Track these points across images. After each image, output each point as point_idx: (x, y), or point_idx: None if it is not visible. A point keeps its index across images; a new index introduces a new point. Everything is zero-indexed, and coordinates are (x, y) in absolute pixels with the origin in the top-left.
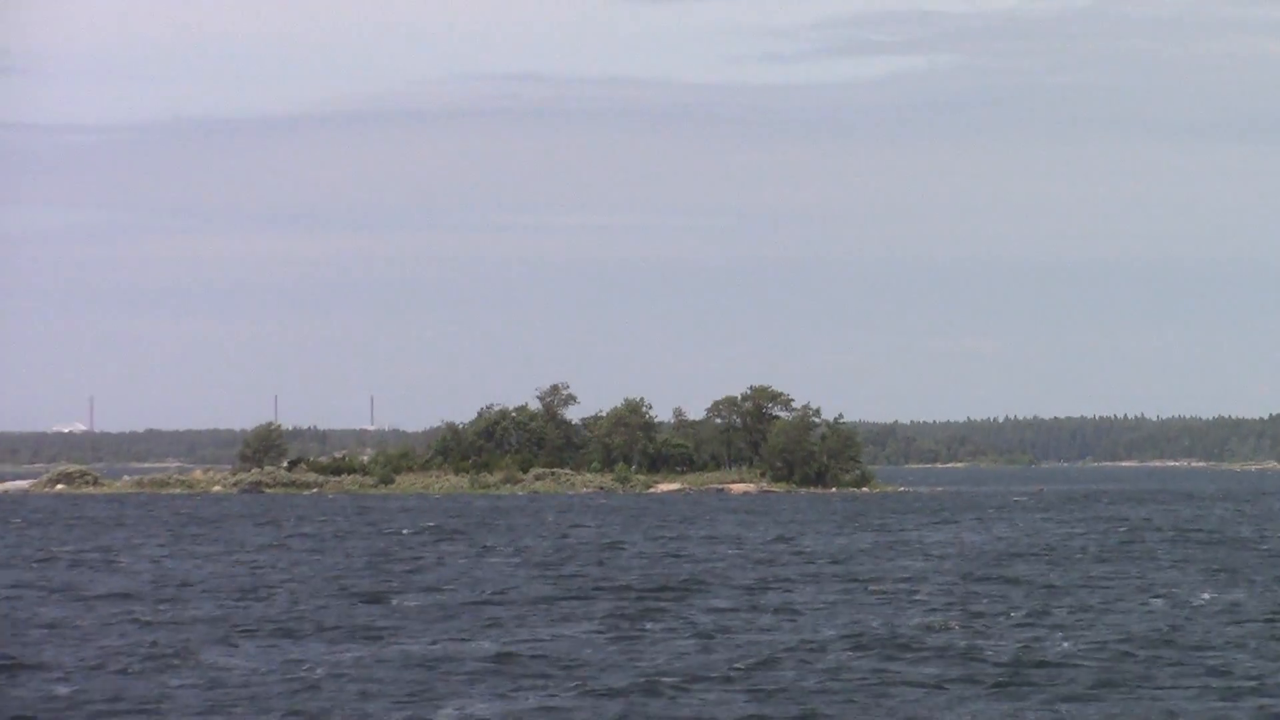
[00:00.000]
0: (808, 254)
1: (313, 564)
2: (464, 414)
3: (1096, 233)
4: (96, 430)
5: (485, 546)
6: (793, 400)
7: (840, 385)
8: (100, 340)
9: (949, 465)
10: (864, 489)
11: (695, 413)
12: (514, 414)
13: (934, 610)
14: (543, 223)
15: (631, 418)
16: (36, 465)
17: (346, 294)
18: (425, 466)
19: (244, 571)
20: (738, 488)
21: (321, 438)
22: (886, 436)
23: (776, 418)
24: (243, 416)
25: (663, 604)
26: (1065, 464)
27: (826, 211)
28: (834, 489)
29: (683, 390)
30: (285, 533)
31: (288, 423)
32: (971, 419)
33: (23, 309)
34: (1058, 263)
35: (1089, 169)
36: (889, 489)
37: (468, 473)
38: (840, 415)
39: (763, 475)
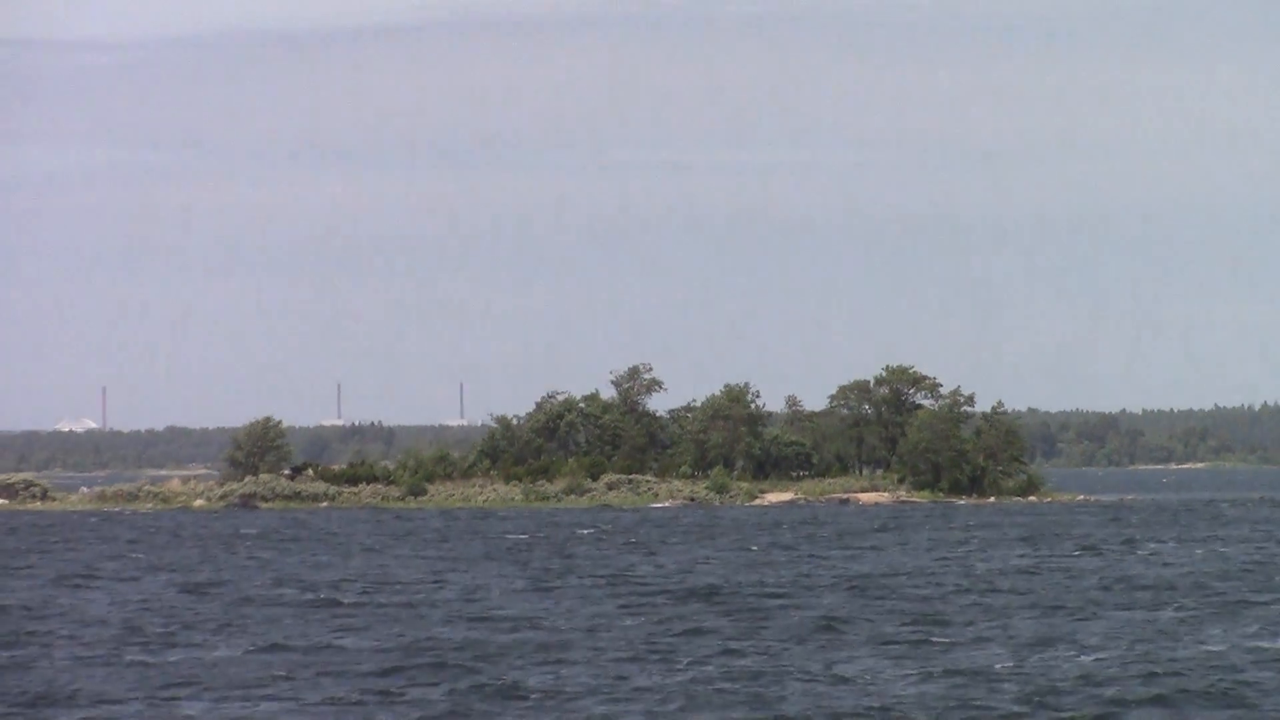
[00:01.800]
0: (967, 201)
1: None
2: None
3: None
4: (108, 428)
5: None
6: (940, 385)
7: (1029, 367)
8: (114, 315)
9: (1186, 466)
10: (1030, 498)
11: (815, 402)
12: (582, 405)
13: None
14: (628, 159)
15: (733, 409)
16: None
17: (419, 252)
18: (468, 473)
19: None
20: (868, 497)
21: (388, 436)
22: (1105, 430)
23: (920, 408)
24: (293, 409)
25: None
26: None
27: (992, 142)
28: (992, 498)
29: (799, 375)
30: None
31: (353, 418)
32: (1220, 406)
33: (22, 277)
34: None
35: None
36: (1065, 497)
37: (521, 480)
38: (1000, 403)
39: (900, 481)
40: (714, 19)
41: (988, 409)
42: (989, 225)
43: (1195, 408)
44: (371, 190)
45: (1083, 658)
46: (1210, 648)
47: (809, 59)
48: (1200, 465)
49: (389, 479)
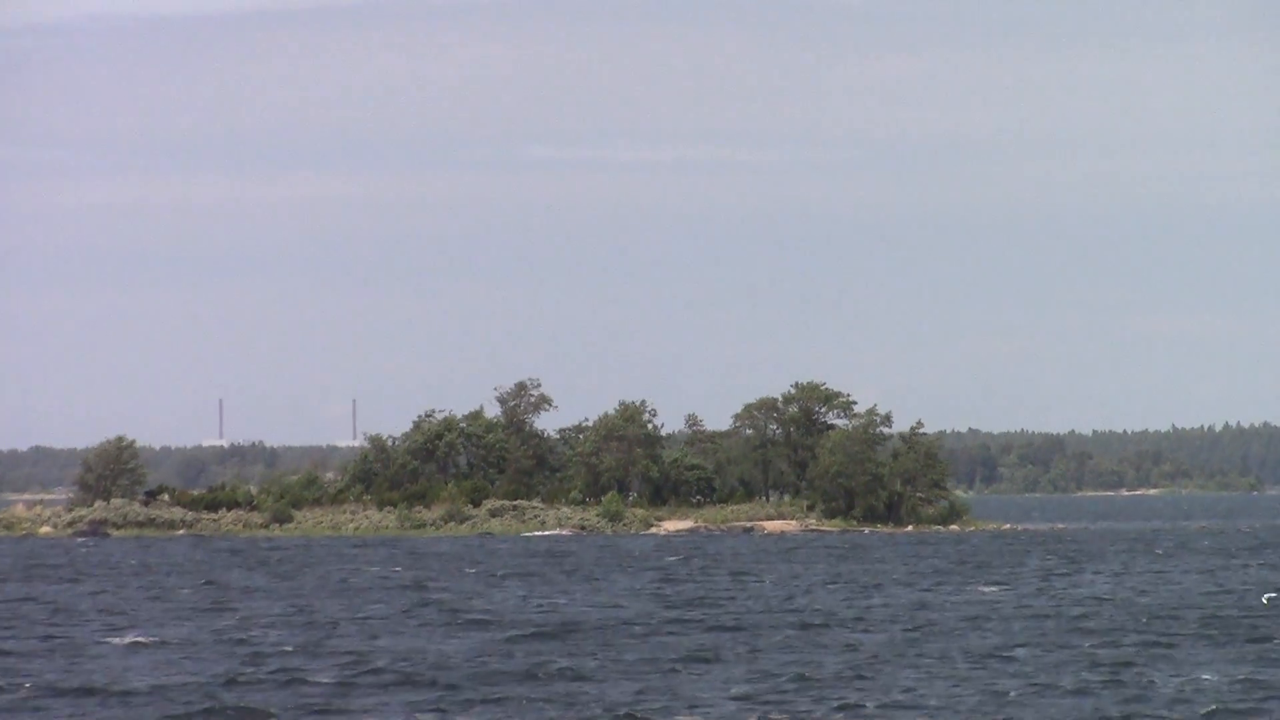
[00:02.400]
0: (896, 203)
1: None
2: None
3: None
4: None
5: None
6: (854, 403)
7: (967, 384)
8: None
9: (1139, 492)
10: (953, 527)
11: (718, 422)
12: (463, 424)
13: None
14: (526, 159)
15: (628, 428)
16: None
17: (309, 259)
18: (339, 498)
19: None
20: (774, 526)
21: (270, 457)
22: (1051, 453)
23: (832, 428)
24: (170, 430)
25: None
26: None
27: (927, 139)
28: (910, 526)
29: (701, 393)
30: None
31: (235, 438)
32: (1178, 428)
33: None
34: None
35: None
36: (991, 526)
37: (396, 506)
38: (920, 423)
39: (810, 508)
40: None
41: (908, 429)
42: (919, 230)
43: (1151, 429)
44: (254, 194)
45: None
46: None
47: (713, 49)
48: (1154, 491)
49: (252, 505)
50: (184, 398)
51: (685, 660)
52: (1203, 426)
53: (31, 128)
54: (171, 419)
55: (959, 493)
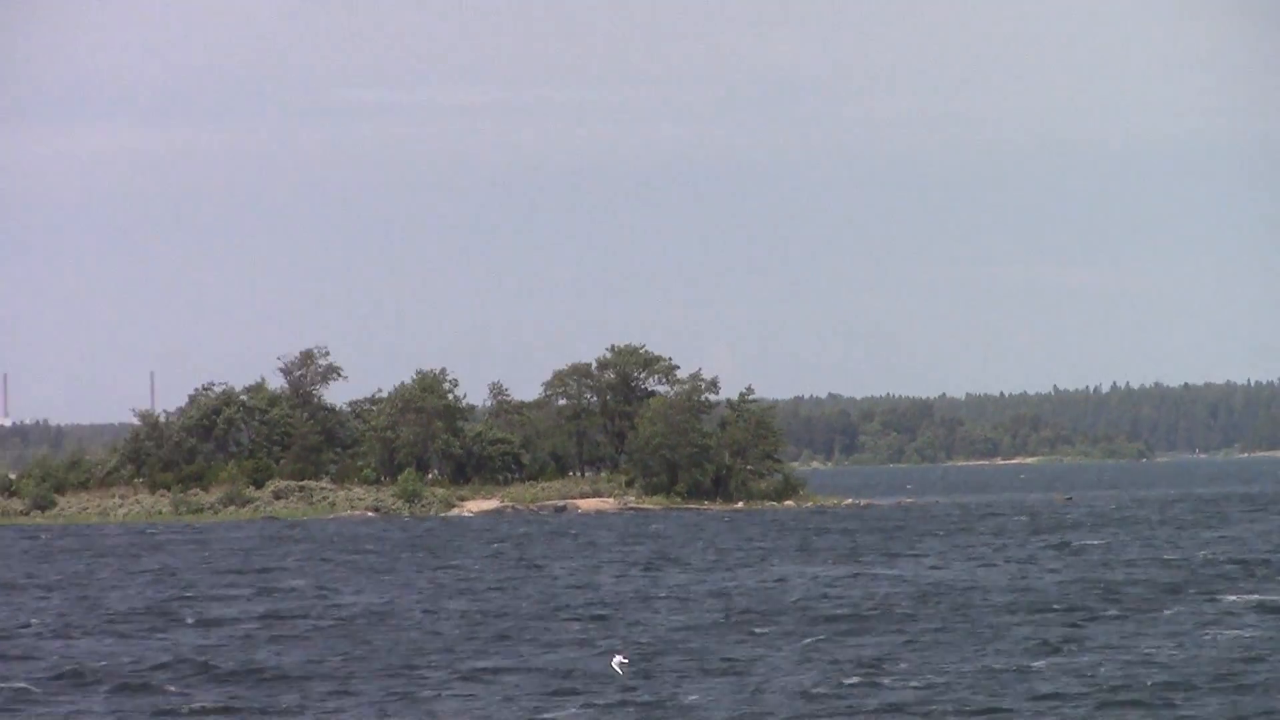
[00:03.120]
0: (727, 142)
1: None
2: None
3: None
4: None
5: None
6: (677, 367)
7: (825, 346)
8: None
9: (1015, 460)
10: (787, 502)
11: (525, 391)
12: (244, 397)
13: None
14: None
15: (426, 399)
16: None
17: (99, 221)
18: (108, 481)
19: None
20: (589, 504)
21: (55, 437)
22: (918, 419)
23: (653, 394)
24: None
25: None
26: (1200, 455)
27: (756, 77)
28: (741, 503)
29: (505, 360)
30: None
31: (21, 416)
32: (1059, 390)
33: None
34: (1192, 139)
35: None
36: (831, 501)
37: (170, 489)
38: (749, 389)
39: (629, 484)
40: None
41: (738, 396)
42: (761, 177)
43: (1031, 392)
44: (39, 151)
45: None
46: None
47: None
48: (1031, 460)
49: (11, 490)
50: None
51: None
52: (1088, 388)
53: None
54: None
55: (815, 464)
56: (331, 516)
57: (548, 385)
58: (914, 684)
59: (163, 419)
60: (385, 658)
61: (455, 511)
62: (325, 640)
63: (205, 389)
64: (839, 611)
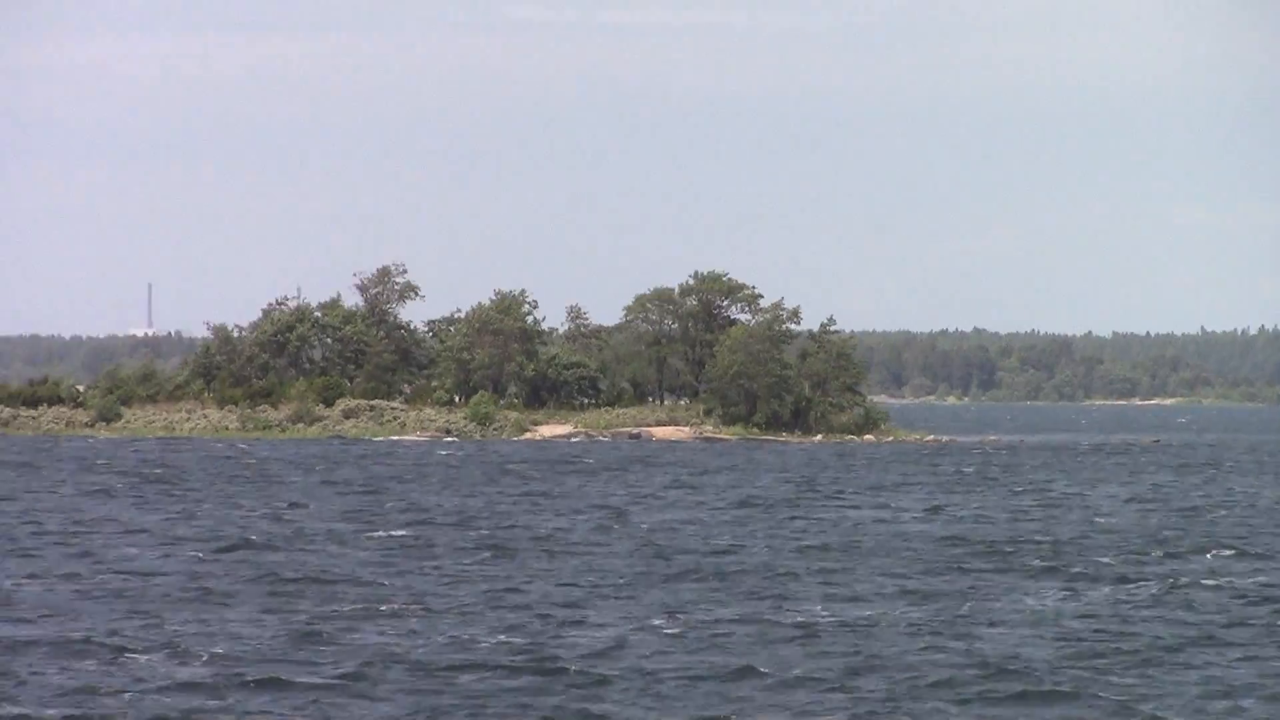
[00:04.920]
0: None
1: None
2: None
3: None
4: None
5: None
6: (760, 296)
7: (969, 279)
8: None
9: (1153, 401)
10: (867, 436)
11: (606, 315)
12: (319, 314)
13: None
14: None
15: (503, 321)
16: None
17: (96, 128)
18: (176, 395)
19: None
20: (663, 432)
21: (190, 348)
22: (1056, 357)
23: (736, 323)
24: (91, 318)
25: None
26: None
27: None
28: (819, 435)
29: (588, 283)
30: None
31: (168, 327)
32: (1207, 331)
33: None
34: None
35: None
36: (913, 437)
37: (238, 404)
38: (830, 320)
39: (708, 413)
40: None
41: (819, 327)
42: (897, 104)
43: (1178, 332)
44: (35, 58)
45: None
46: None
47: None
48: (1170, 401)
49: (78, 401)
50: (107, 284)
51: None
52: (1235, 330)
53: None
54: (91, 306)
55: (951, 399)
56: (399, 439)
57: (628, 310)
58: None
59: (235, 333)
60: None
61: (528, 436)
62: None
63: (279, 303)
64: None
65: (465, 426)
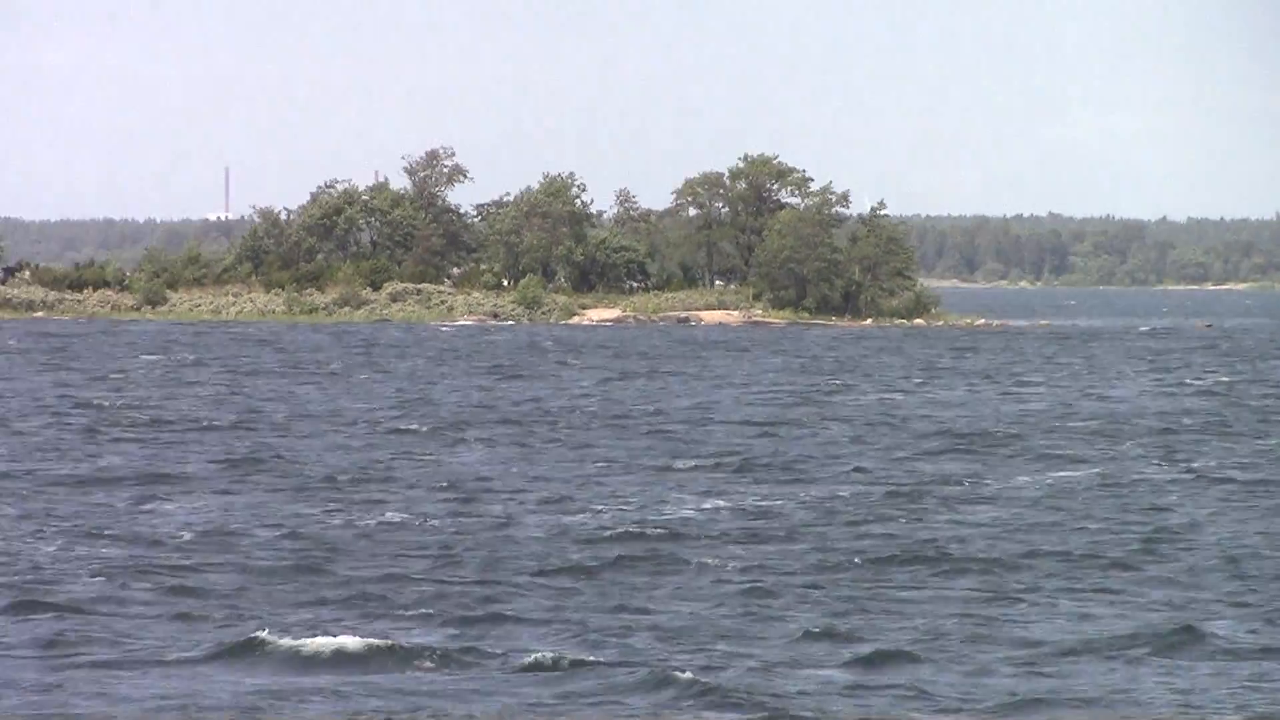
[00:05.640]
0: None
1: None
2: None
3: None
4: None
5: None
6: (810, 180)
7: (1042, 163)
8: None
9: (1225, 286)
10: (917, 321)
11: (655, 199)
12: (366, 197)
13: None
14: None
15: (553, 205)
16: None
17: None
18: (223, 279)
19: None
20: (712, 316)
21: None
22: (1129, 242)
23: (785, 207)
24: (168, 203)
25: None
26: None
27: None
28: (869, 319)
29: (637, 167)
30: None
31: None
32: None
33: None
34: None
35: None
36: (964, 321)
37: (285, 288)
38: (881, 203)
39: (757, 297)
40: None
41: (869, 210)
42: None
43: (1253, 218)
44: None
45: None
46: None
47: None
48: (1242, 286)
49: (124, 284)
50: (187, 167)
51: None
52: None
53: None
54: (168, 190)
55: (1024, 284)
56: (446, 324)
57: (678, 193)
58: None
59: (284, 217)
60: None
61: (576, 319)
62: None
63: (327, 186)
64: None
65: (513, 310)
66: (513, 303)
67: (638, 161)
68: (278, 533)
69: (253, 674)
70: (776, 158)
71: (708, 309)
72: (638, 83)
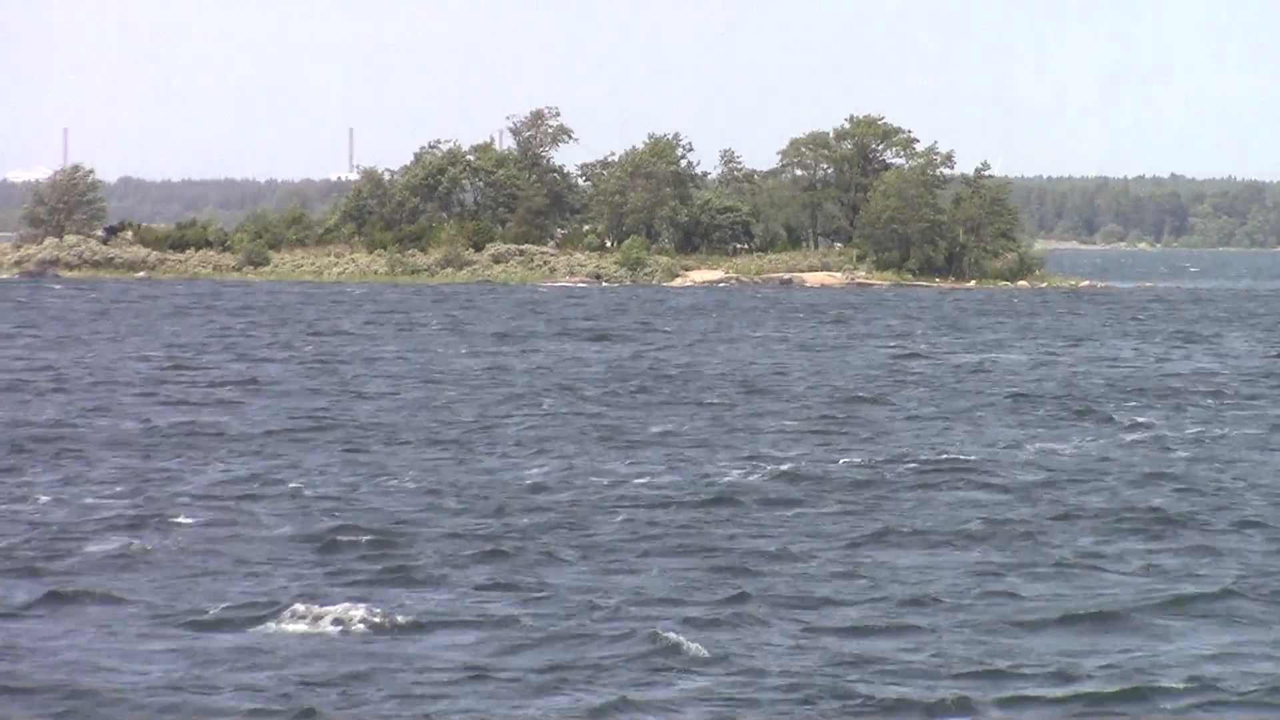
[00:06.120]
0: None
1: None
2: None
3: None
4: None
5: None
6: (916, 141)
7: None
8: None
9: None
10: (1021, 283)
11: (760, 159)
12: (471, 157)
13: None
14: None
15: (657, 165)
16: None
17: None
18: (326, 239)
19: None
20: (815, 278)
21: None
22: (1249, 203)
23: (890, 168)
24: (288, 162)
25: None
26: None
27: None
28: (973, 281)
29: (743, 127)
30: None
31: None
32: None
33: None
34: None
35: None
36: (1068, 283)
37: (387, 249)
38: (985, 164)
39: (860, 259)
40: None
41: (973, 172)
42: None
43: None
44: None
45: None
46: None
47: None
48: None
49: (225, 245)
50: (309, 127)
51: None
52: None
53: None
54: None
55: (1143, 245)
56: (549, 284)
57: (784, 154)
58: None
59: (387, 177)
60: None
61: (679, 281)
62: None
63: (431, 146)
64: None
65: (616, 271)
66: (615, 264)
67: (743, 121)
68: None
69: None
70: (883, 118)
71: (810, 270)
72: (745, 42)
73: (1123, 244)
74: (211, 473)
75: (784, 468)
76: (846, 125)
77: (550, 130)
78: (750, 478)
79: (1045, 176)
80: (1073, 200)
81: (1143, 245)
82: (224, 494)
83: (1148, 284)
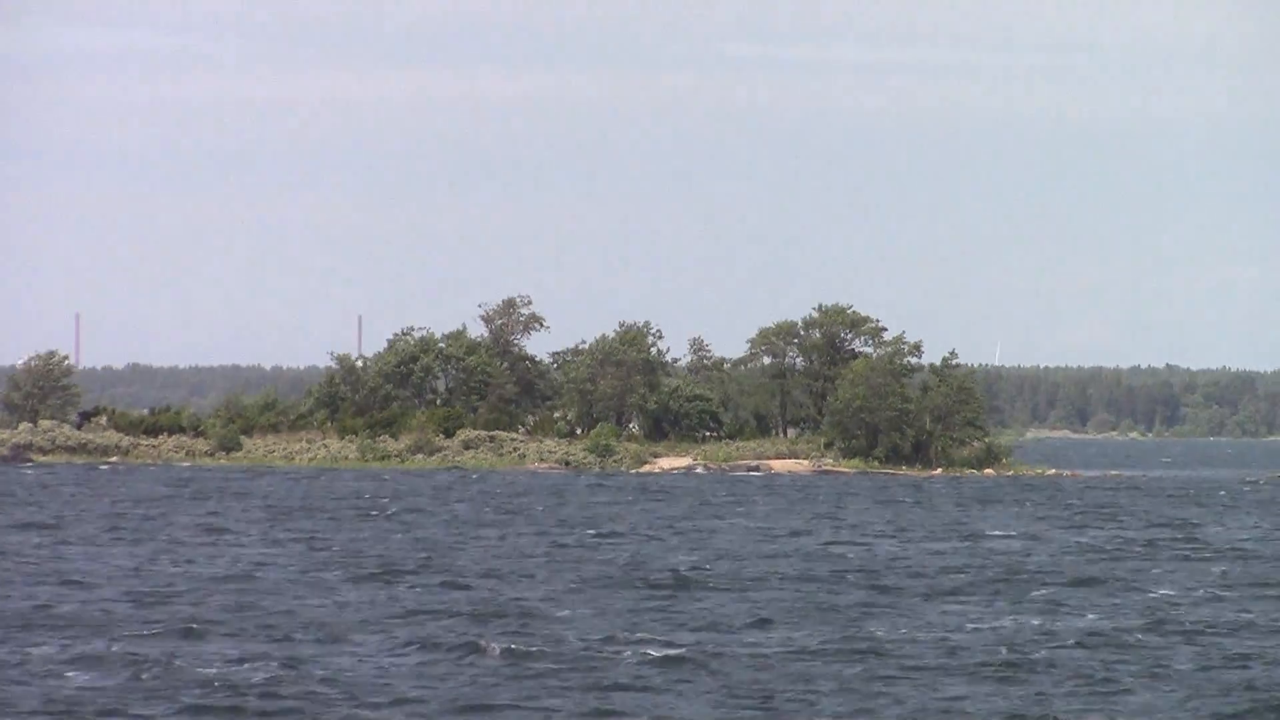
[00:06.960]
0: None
1: None
2: None
3: None
4: None
5: None
6: (884, 329)
7: (1156, 315)
8: None
9: None
10: (988, 471)
11: (728, 347)
12: (442, 344)
13: None
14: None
15: (627, 353)
16: None
17: (300, 161)
18: (298, 424)
19: None
20: (782, 465)
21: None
22: (1240, 393)
23: (860, 356)
24: (300, 349)
25: None
26: None
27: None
28: (939, 469)
29: (711, 315)
30: None
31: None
32: None
33: None
34: None
35: None
36: (1035, 471)
37: (358, 434)
38: (953, 353)
39: (828, 446)
40: None
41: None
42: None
43: None
44: (234, 92)
45: None
46: None
47: None
48: None
49: (199, 430)
50: (320, 315)
51: None
52: None
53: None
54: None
55: (1134, 435)
56: (517, 470)
57: (753, 342)
58: None
59: (360, 364)
60: None
61: (647, 468)
62: None
63: (404, 334)
64: None
65: (585, 458)
66: (584, 450)
67: (711, 310)
68: None
69: None
70: (850, 307)
71: (778, 458)
72: (714, 233)
73: (1114, 433)
74: None
75: None
76: (815, 314)
77: (522, 318)
78: None
79: (1040, 366)
80: (1066, 390)
81: (1134, 434)
82: None
83: (1113, 472)
